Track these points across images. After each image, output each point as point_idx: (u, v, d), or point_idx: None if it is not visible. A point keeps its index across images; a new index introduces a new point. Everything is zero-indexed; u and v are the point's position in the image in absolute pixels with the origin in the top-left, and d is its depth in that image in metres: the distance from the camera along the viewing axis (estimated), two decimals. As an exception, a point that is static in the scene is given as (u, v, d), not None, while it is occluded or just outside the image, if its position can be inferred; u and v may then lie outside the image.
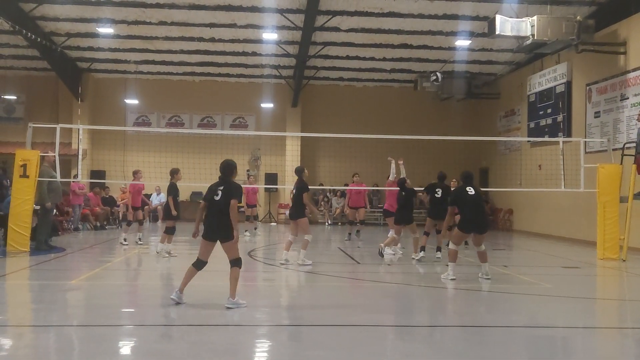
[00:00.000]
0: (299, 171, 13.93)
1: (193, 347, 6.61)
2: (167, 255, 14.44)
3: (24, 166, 14.80)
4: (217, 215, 8.58)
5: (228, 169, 8.83)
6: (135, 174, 17.47)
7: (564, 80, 22.26)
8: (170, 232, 14.55)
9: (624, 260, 15.15)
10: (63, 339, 7.08)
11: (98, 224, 23.31)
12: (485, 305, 9.74)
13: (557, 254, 17.52)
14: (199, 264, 8.79)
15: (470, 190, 11.52)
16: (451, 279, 11.26)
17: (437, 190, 15.05)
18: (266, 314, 8.59)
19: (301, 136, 28.97)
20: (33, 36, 22.06)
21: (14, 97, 29.39)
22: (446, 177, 15.67)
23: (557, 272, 13.61)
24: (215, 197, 8.63)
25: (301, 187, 13.50)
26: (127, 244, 16.98)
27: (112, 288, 10.63)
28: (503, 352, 6.78)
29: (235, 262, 8.64)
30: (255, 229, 22.70)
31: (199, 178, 25.19)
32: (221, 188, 8.66)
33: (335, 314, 8.70)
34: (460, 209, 11.61)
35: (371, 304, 9.50)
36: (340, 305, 9.48)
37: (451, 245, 11.72)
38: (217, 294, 9.48)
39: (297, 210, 13.46)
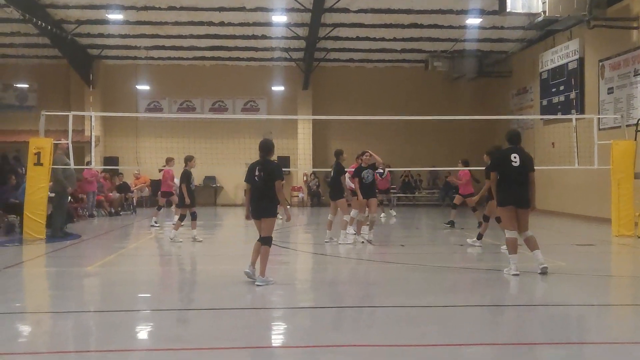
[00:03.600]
0: (337, 154, 14.43)
1: (209, 331, 6.67)
2: (194, 239, 14.58)
3: (38, 154, 14.88)
4: (257, 195, 9.02)
5: (266, 147, 9.17)
6: (169, 161, 18.22)
7: (576, 57, 22.05)
8: (183, 219, 14.69)
9: (639, 237, 15.08)
10: (80, 325, 7.15)
11: (112, 210, 23.44)
12: (498, 285, 9.74)
13: (571, 231, 17.47)
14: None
15: (515, 160, 9.75)
16: (514, 274, 9.62)
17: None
18: (281, 296, 8.64)
19: (312, 119, 28.91)
20: (43, 24, 22.10)
21: (26, 86, 29.51)
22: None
23: (571, 249, 13.58)
24: (255, 177, 9.02)
25: (338, 169, 14.17)
26: (158, 226, 18.19)
27: (128, 274, 10.72)
28: (517, 331, 6.79)
29: (266, 241, 9.00)
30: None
31: (211, 162, 25.37)
32: (259, 168, 9.04)
33: (350, 296, 8.75)
34: (500, 179, 9.87)
35: (383, 284, 9.53)
36: (354, 286, 9.53)
37: (507, 234, 9.96)
38: (231, 277, 9.55)
39: (336, 191, 14.19)
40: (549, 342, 6.24)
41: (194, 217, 14.76)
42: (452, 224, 17.98)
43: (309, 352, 5.99)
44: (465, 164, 17.50)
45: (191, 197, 14.66)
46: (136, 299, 8.51)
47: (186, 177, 14.55)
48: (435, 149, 28.11)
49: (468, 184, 17.46)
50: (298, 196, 30.32)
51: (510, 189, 9.75)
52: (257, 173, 9.00)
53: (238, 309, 7.78)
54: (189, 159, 14.85)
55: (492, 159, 10.75)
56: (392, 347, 6.05)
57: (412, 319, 7.28)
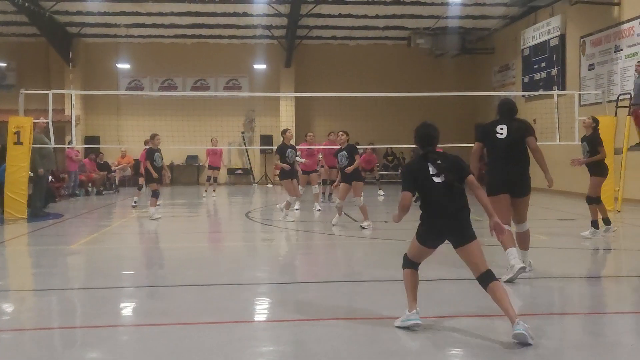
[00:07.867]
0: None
1: (194, 305, 6.68)
2: (151, 218, 14.65)
3: (18, 133, 14.77)
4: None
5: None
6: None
7: (558, 34, 22.10)
8: (157, 195, 14.99)
9: (619, 212, 15.26)
10: (65, 302, 7.12)
11: (95, 190, 23.32)
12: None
13: (553, 207, 17.61)
14: None
15: (502, 131, 7.59)
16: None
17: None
18: (266, 272, 8.66)
19: (295, 96, 28.81)
20: (20, 1, 21.75)
21: (4, 64, 29.10)
22: None
23: (553, 224, 13.72)
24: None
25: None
26: (136, 205, 17.71)
27: (111, 252, 10.67)
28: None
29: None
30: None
31: (193, 141, 25.28)
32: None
33: (333, 271, 8.79)
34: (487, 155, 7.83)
35: (370, 260, 9.58)
36: (337, 263, 9.57)
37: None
38: (213, 254, 9.56)
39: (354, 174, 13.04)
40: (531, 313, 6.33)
41: (155, 194, 14.89)
42: None
43: (294, 325, 6.01)
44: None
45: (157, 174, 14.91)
46: (120, 277, 8.48)
47: (150, 154, 14.80)
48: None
49: None
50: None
51: (502, 171, 7.83)
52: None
53: (222, 285, 7.77)
54: (152, 137, 15.12)
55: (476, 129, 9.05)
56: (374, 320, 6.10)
57: (396, 291, 7.32)
